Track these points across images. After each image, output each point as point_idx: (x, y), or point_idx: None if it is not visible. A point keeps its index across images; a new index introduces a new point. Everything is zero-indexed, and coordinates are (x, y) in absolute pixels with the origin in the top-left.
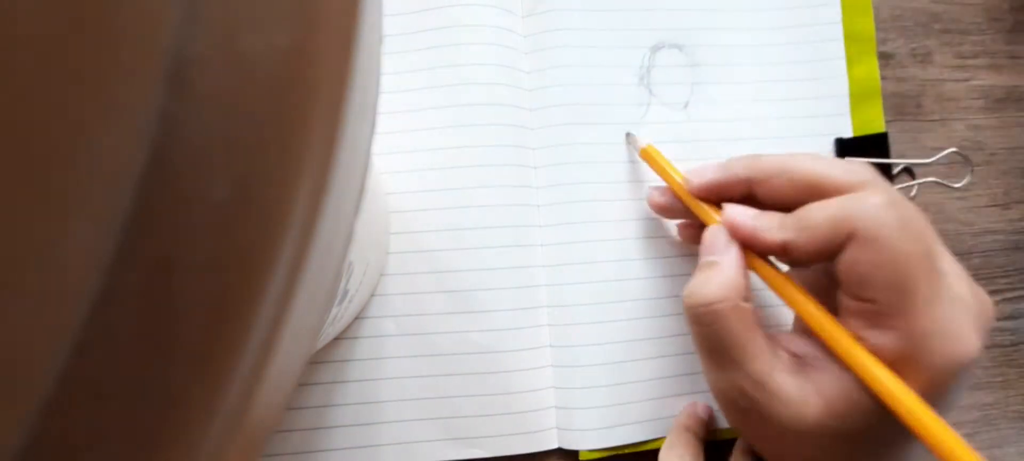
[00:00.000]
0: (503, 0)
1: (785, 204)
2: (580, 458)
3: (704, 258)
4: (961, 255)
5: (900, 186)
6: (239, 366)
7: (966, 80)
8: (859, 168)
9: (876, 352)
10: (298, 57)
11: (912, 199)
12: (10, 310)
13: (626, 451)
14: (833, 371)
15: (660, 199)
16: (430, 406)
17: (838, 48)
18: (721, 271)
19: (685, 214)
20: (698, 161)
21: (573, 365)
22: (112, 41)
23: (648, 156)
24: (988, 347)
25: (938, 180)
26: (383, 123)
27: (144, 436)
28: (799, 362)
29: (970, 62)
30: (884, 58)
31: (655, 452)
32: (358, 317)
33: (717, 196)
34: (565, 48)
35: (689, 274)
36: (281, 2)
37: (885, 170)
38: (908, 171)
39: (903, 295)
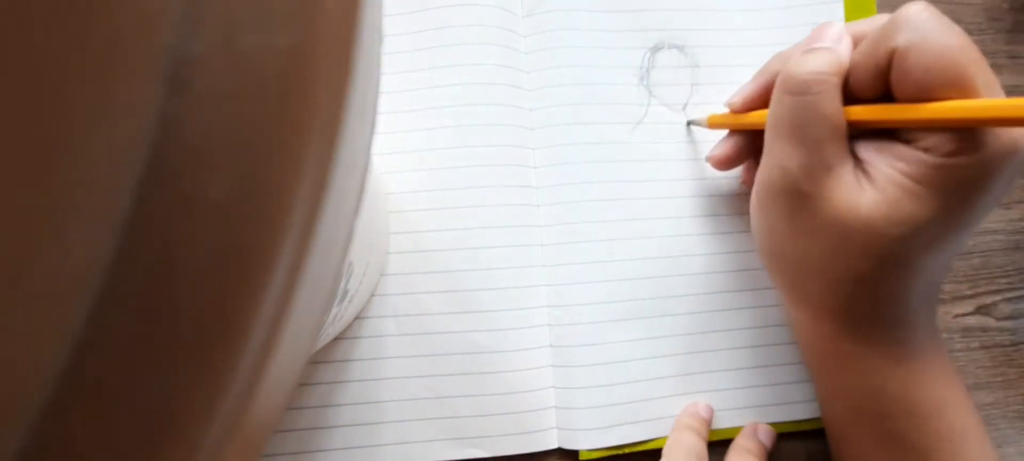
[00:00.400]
0: (503, 0)
1: None
2: (580, 458)
3: (810, 45)
4: (961, 255)
5: None
6: (239, 366)
7: None
8: (880, 17)
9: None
10: (298, 57)
11: None
12: (10, 310)
13: (626, 451)
14: (888, 166)
15: (721, 150)
16: (430, 406)
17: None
18: (832, 52)
19: (745, 155)
20: (697, 162)
21: (573, 365)
22: (112, 41)
23: (717, 121)
24: (988, 347)
25: None
26: (383, 123)
27: (144, 436)
28: (858, 164)
29: None
30: None
31: (655, 452)
32: (358, 317)
33: (764, 103)
34: (565, 48)
35: (690, 274)
36: (281, 2)
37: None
38: None
39: (962, 86)
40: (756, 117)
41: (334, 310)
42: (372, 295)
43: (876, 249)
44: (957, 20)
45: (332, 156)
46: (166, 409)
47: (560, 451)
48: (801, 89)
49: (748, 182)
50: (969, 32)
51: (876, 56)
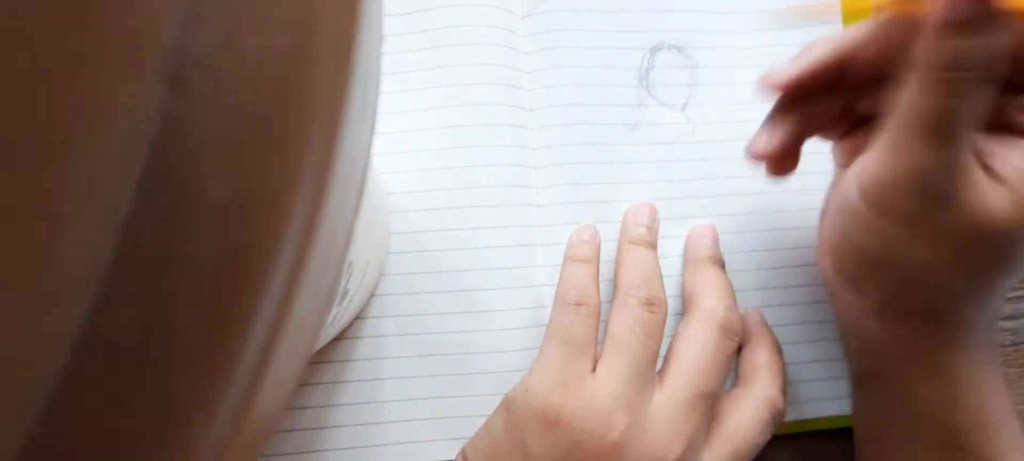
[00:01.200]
0: (503, 0)
1: None
2: None
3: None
4: None
5: None
6: (239, 366)
7: None
8: None
9: None
10: (298, 57)
11: None
12: (10, 310)
13: None
14: (1014, 155)
15: (770, 143)
16: (430, 406)
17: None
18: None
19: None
20: (697, 162)
21: None
22: (112, 41)
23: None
24: None
25: None
26: (383, 123)
27: (144, 436)
28: (988, 170)
29: None
30: None
31: None
32: (358, 317)
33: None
34: (565, 48)
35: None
36: (281, 2)
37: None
38: None
39: None
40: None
41: (334, 310)
42: (372, 295)
43: (1009, 258)
44: None
45: (332, 156)
46: (166, 409)
47: None
48: (971, 67)
49: (777, 172)
50: None
51: None
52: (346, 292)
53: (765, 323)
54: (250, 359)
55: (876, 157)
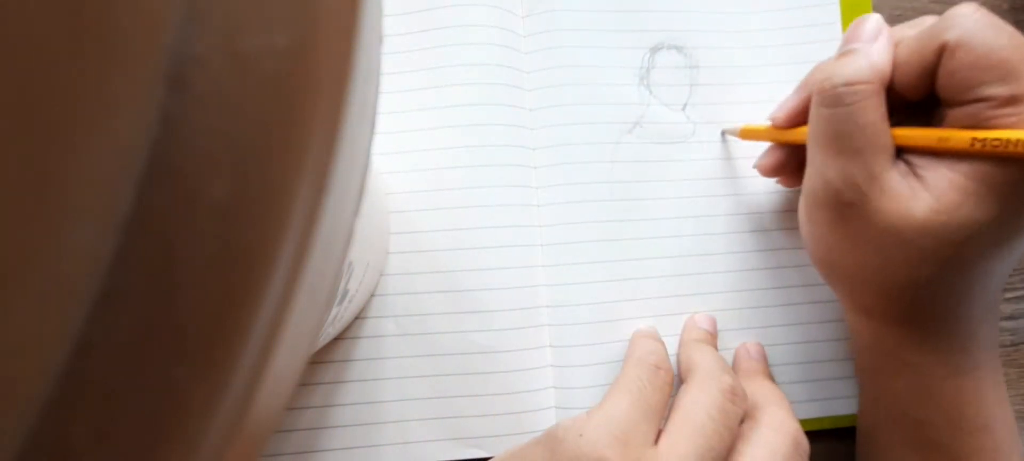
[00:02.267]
0: (503, 0)
1: None
2: None
3: (846, 47)
4: None
5: None
6: (239, 366)
7: None
8: (925, 19)
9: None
10: (298, 57)
11: None
12: (10, 310)
13: None
14: (942, 168)
15: (767, 160)
16: (430, 406)
17: (836, 49)
18: (868, 55)
19: (792, 164)
20: (699, 162)
21: (573, 365)
22: (112, 40)
23: (750, 133)
24: None
25: None
26: (383, 123)
27: (144, 436)
28: (908, 168)
29: None
30: None
31: None
32: (358, 317)
33: (805, 119)
34: (565, 48)
35: (689, 274)
36: (281, 2)
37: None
38: None
39: (1012, 80)
40: (794, 135)
41: (334, 310)
42: (372, 295)
43: (935, 255)
44: None
45: (332, 156)
46: (166, 409)
47: None
48: (835, 101)
49: (786, 184)
50: None
51: (923, 53)
52: (346, 292)
53: (758, 355)
54: (250, 359)
55: (808, 178)
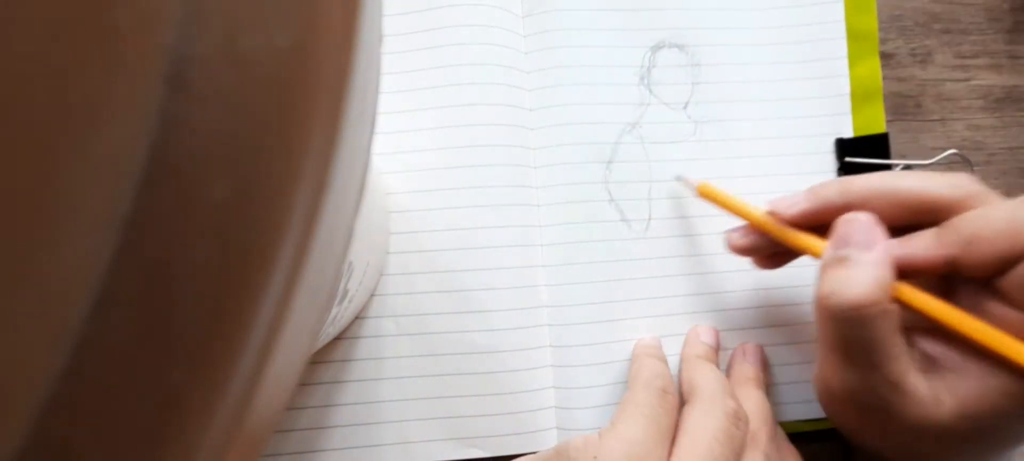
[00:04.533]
0: (503, 0)
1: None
2: None
3: (839, 251)
4: None
5: None
6: (239, 366)
7: (966, 80)
8: (961, 179)
9: None
10: (298, 57)
11: None
12: (10, 310)
13: None
14: (970, 373)
15: (742, 241)
16: (430, 406)
17: (840, 47)
18: (868, 269)
19: (769, 250)
20: (701, 162)
21: (573, 365)
22: (112, 40)
23: (709, 194)
24: None
25: None
26: (383, 123)
27: (144, 436)
28: (930, 362)
29: (970, 62)
30: (884, 58)
31: None
32: (358, 317)
33: (809, 224)
34: (565, 48)
35: (689, 274)
36: (281, 2)
37: (885, 171)
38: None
39: None
40: (788, 236)
41: (334, 310)
42: (372, 295)
43: (959, 447)
44: (957, 20)
45: (332, 156)
46: (166, 409)
47: None
48: (846, 322)
49: (760, 266)
50: (969, 32)
51: (1015, 243)
52: (346, 292)
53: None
54: (250, 359)
55: (819, 360)
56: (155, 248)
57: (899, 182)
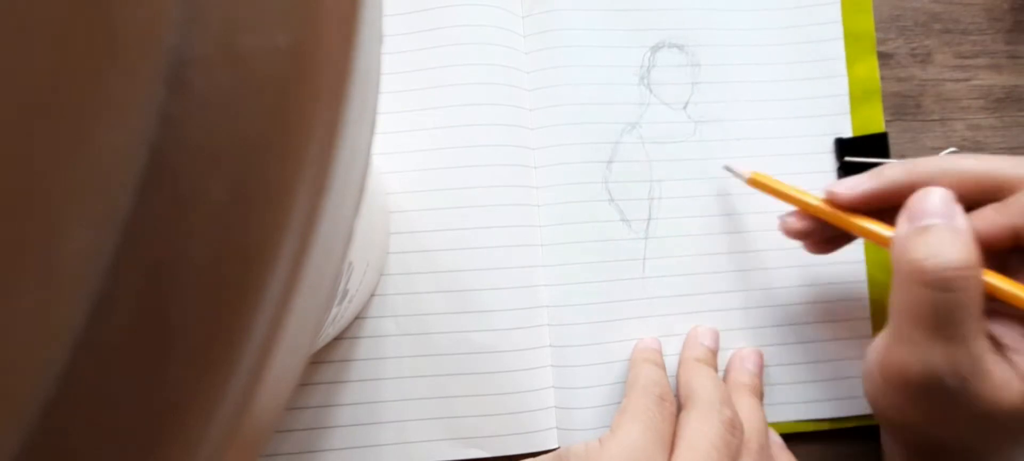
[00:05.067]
0: (503, 0)
1: None
2: None
3: (919, 222)
4: None
5: None
6: (239, 366)
7: (966, 80)
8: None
9: None
10: (298, 57)
11: None
12: (10, 310)
13: None
14: None
15: (799, 225)
16: (430, 406)
17: (838, 47)
18: (960, 234)
19: (824, 235)
20: (701, 161)
21: (573, 365)
22: (112, 40)
23: (760, 183)
24: None
25: None
26: (383, 123)
27: (143, 436)
28: (997, 345)
29: (970, 62)
30: (884, 58)
31: None
32: (358, 317)
33: (870, 207)
34: (565, 48)
35: (689, 274)
36: (281, 2)
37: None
38: None
39: None
40: (800, 203)
41: (334, 310)
42: (372, 295)
43: (1018, 434)
44: (957, 20)
45: (332, 156)
46: (166, 409)
47: None
48: (944, 285)
49: (812, 251)
50: (969, 32)
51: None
52: (346, 292)
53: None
54: (250, 359)
55: (891, 344)
56: (155, 248)
57: (964, 162)
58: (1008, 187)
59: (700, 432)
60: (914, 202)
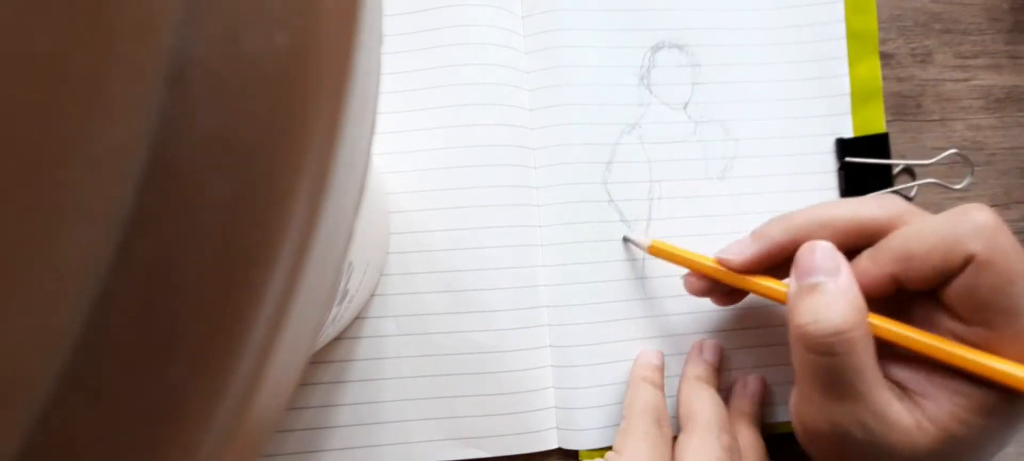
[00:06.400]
0: (503, 0)
1: None
2: (580, 458)
3: (806, 280)
4: None
5: (900, 187)
6: (239, 366)
7: (966, 80)
8: (889, 200)
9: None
10: (298, 57)
11: (912, 200)
12: (10, 310)
13: None
14: (943, 397)
15: (698, 284)
16: (430, 406)
17: (840, 47)
18: (843, 294)
19: (725, 289)
20: (701, 163)
21: (573, 365)
22: (112, 40)
23: (659, 251)
24: None
25: (938, 181)
26: (383, 123)
27: (143, 436)
28: (901, 390)
29: (970, 62)
30: (884, 58)
31: None
32: (358, 317)
33: (762, 267)
34: (565, 48)
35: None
36: (281, 2)
37: (885, 171)
38: (908, 172)
39: (1021, 317)
40: (698, 267)
41: (334, 310)
42: (372, 295)
43: None
44: (957, 20)
45: (332, 156)
46: (166, 409)
47: (560, 451)
48: (827, 350)
49: (719, 303)
50: (969, 32)
51: (947, 258)
52: (346, 292)
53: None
54: (250, 359)
55: (798, 401)
56: (155, 248)
57: (832, 210)
58: (876, 231)
59: (699, 456)
60: (800, 258)
